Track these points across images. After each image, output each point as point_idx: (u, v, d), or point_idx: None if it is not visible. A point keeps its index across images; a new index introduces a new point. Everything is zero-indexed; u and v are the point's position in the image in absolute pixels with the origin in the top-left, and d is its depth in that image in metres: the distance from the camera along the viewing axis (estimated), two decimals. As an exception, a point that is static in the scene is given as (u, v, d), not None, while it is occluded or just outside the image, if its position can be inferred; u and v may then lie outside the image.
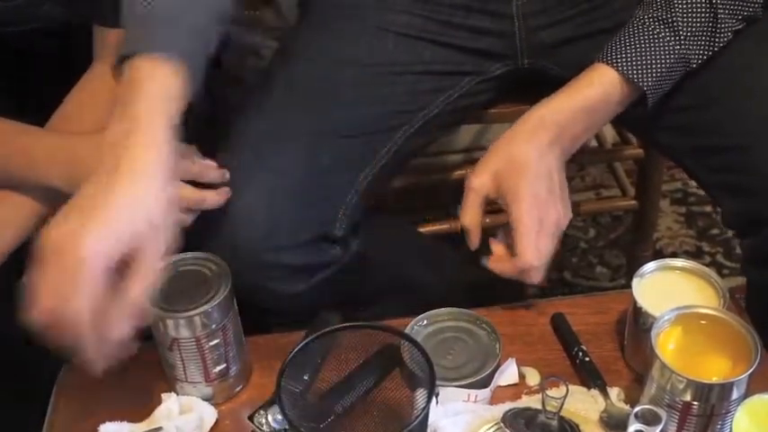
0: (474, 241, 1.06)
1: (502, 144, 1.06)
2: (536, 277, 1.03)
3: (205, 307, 0.94)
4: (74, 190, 0.91)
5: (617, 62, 1.05)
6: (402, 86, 1.16)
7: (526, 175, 1.03)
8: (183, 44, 0.88)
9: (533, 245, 1.02)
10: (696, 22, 1.04)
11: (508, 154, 1.05)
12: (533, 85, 1.11)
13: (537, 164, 1.03)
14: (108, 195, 0.78)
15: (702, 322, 0.91)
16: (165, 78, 0.85)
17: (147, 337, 1.01)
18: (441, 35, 1.21)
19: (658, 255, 1.76)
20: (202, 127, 1.29)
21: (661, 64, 1.04)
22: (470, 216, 1.05)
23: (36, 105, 1.18)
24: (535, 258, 1.02)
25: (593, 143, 1.66)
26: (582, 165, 1.92)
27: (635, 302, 0.97)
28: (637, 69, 1.04)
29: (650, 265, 1.00)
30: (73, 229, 0.77)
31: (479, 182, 1.05)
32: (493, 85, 1.27)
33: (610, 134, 1.70)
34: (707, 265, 1.00)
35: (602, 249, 1.85)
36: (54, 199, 1.00)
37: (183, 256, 0.99)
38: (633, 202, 1.63)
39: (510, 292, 1.36)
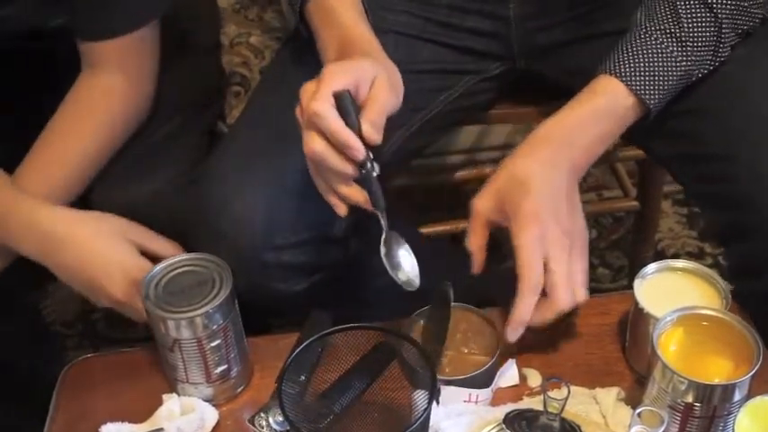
0: (477, 265, 1.02)
1: (505, 162, 1.02)
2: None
3: (206, 308, 0.94)
4: (45, 261, 1.07)
5: (624, 75, 1.02)
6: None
7: (527, 192, 0.97)
8: None
9: (536, 270, 0.95)
10: (702, 36, 1.03)
11: (510, 172, 1.00)
12: (533, 87, 1.11)
13: (539, 180, 0.98)
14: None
15: (704, 323, 0.91)
16: None
17: (148, 338, 1.02)
18: (440, 35, 1.21)
19: (660, 256, 1.76)
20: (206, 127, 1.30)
21: (668, 80, 1.02)
22: (475, 240, 1.02)
23: (21, 105, 1.19)
24: (563, 294, 0.96)
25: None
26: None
27: (636, 303, 0.97)
28: (644, 84, 1.02)
29: (652, 266, 1.00)
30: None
31: (482, 204, 1.01)
32: (492, 85, 1.27)
33: (611, 135, 1.70)
34: (709, 267, 1.00)
35: (604, 250, 1.85)
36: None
37: (183, 256, 0.99)
38: (635, 203, 1.62)
39: (511, 292, 1.36)
